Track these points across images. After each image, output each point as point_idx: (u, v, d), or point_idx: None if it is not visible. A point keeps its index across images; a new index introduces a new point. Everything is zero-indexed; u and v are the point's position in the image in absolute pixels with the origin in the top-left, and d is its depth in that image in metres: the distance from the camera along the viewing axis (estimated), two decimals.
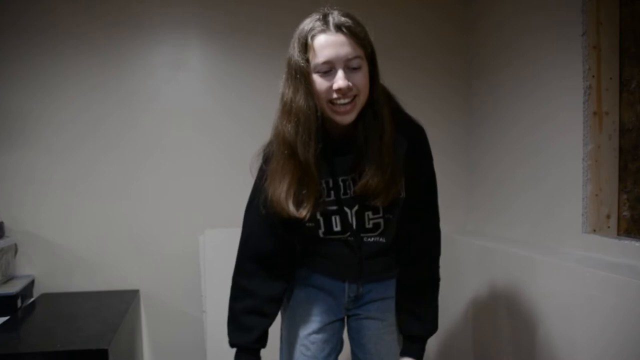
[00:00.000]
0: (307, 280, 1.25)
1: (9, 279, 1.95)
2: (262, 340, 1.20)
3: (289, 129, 1.06)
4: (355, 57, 1.02)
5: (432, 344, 2.18)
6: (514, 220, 1.87)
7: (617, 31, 1.47)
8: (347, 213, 1.16)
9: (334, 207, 1.15)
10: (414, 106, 1.21)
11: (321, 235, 1.17)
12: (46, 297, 1.99)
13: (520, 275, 1.58)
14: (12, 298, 1.78)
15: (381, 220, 1.17)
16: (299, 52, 1.03)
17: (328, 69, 1.02)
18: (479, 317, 1.82)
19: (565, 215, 1.56)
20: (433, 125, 1.29)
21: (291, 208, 1.07)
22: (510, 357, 1.62)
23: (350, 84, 1.01)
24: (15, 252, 2.02)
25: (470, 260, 1.90)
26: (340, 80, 1.01)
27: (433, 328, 1.22)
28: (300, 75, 1.03)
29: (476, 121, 2.15)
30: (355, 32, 1.02)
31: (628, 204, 1.46)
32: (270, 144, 1.16)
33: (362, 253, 1.19)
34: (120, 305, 1.87)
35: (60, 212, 2.05)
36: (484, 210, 2.05)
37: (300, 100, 1.04)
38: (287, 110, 1.07)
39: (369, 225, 1.17)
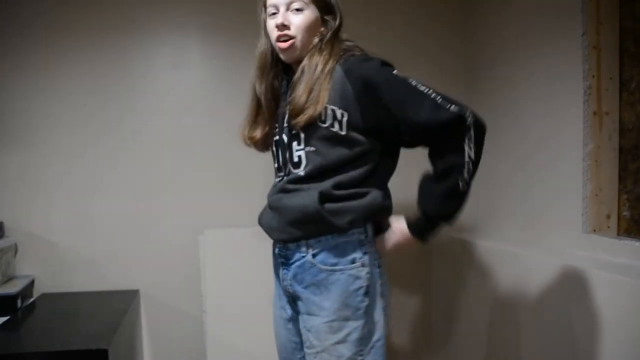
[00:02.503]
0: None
1: (9, 279, 1.95)
2: None
3: (254, 72, 1.24)
4: (298, 0, 1.14)
5: (430, 343, 2.18)
6: (513, 220, 1.87)
7: (617, 31, 1.47)
8: (284, 142, 1.19)
9: (277, 137, 1.22)
10: None
11: (275, 175, 1.24)
12: (46, 297, 1.99)
13: (519, 275, 1.58)
14: (12, 298, 1.78)
15: (302, 152, 1.14)
16: (262, 8, 1.22)
17: (275, 11, 1.16)
18: (477, 317, 1.82)
19: (565, 215, 1.56)
20: None
21: (246, 132, 1.26)
22: (509, 357, 1.62)
23: (286, 22, 1.14)
24: (15, 252, 2.02)
25: (469, 259, 1.90)
26: (279, 17, 1.15)
27: (432, 210, 1.19)
28: (263, 25, 1.22)
29: None
30: None
31: (628, 204, 1.46)
32: None
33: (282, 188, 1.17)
34: (120, 305, 1.86)
35: (60, 212, 2.05)
36: (483, 210, 2.05)
37: (261, 45, 1.23)
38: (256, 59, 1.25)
39: (295, 158, 1.16)
